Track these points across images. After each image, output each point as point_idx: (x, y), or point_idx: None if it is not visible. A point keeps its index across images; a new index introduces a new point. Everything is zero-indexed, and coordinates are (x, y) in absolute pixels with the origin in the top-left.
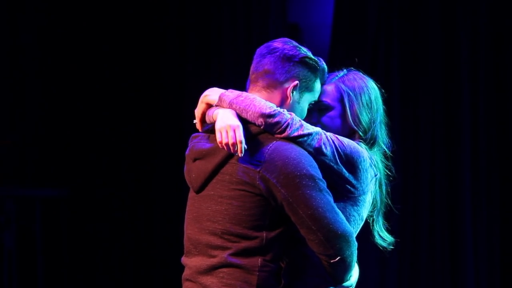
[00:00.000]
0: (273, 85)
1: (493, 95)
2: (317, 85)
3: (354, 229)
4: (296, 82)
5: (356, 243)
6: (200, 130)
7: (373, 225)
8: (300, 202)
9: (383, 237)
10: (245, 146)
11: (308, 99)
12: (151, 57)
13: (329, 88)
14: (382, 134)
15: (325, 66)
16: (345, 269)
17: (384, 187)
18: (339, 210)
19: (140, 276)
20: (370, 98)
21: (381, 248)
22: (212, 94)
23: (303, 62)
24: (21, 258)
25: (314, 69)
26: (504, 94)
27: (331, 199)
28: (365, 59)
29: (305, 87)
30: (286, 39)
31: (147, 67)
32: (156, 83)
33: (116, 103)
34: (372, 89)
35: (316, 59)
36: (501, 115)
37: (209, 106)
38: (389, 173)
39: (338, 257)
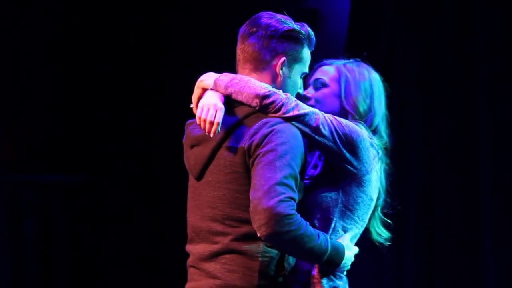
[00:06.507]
0: (261, 66)
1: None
2: (305, 53)
3: (364, 211)
4: (283, 58)
5: (291, 225)
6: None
7: (369, 221)
8: (254, 173)
9: (380, 232)
10: (219, 130)
11: (298, 70)
12: (163, 48)
13: (330, 68)
14: (383, 128)
15: (310, 31)
16: (283, 245)
17: (385, 181)
18: (284, 190)
19: (161, 263)
20: (371, 86)
21: (378, 244)
22: (207, 79)
23: (286, 36)
24: (42, 245)
25: (298, 40)
26: None
27: (286, 181)
28: (383, 46)
29: (293, 60)
30: (267, 13)
31: (160, 56)
32: (170, 71)
33: (140, 90)
34: (374, 79)
35: (298, 28)
36: None
37: (205, 91)
38: (386, 168)
39: (260, 232)
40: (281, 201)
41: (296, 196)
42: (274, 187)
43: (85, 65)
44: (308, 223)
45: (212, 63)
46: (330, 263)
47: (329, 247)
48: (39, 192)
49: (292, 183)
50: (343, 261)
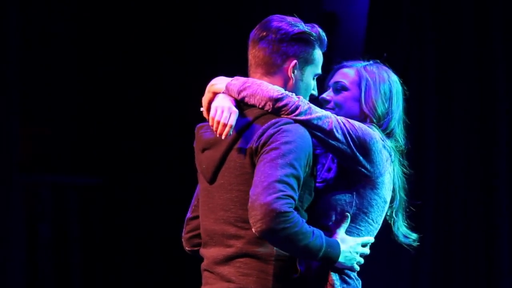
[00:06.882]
0: (272, 70)
1: None
2: (317, 54)
3: (378, 213)
4: (295, 61)
5: (286, 222)
6: (207, 118)
7: (393, 225)
8: (256, 170)
9: (406, 234)
10: (231, 133)
11: (311, 71)
12: (183, 46)
13: (350, 71)
14: (399, 131)
15: (320, 32)
16: (276, 241)
17: (402, 181)
18: (283, 188)
19: (176, 265)
20: (390, 90)
21: (406, 246)
22: (218, 83)
23: (296, 39)
24: (57, 247)
25: (309, 42)
26: None
27: (286, 179)
28: (400, 47)
29: (305, 62)
30: (278, 16)
31: (179, 55)
32: (188, 72)
33: (153, 92)
34: (394, 82)
35: (309, 30)
36: None
37: (215, 95)
38: (404, 170)
39: (255, 228)
40: (278, 198)
41: (296, 195)
42: (273, 184)
43: (103, 70)
44: (304, 220)
45: (226, 66)
46: (326, 259)
47: (324, 244)
48: (54, 194)
49: (292, 182)
50: (342, 255)
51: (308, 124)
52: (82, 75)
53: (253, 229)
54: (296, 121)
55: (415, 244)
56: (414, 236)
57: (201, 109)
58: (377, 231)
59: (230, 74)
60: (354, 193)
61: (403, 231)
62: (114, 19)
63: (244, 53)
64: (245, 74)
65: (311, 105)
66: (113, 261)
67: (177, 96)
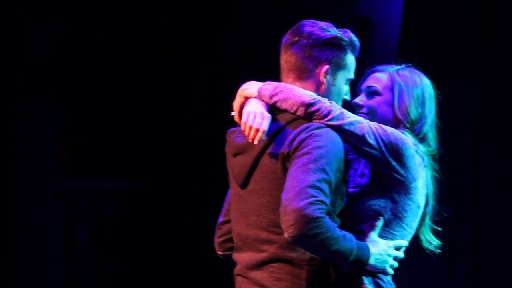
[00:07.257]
0: (304, 75)
1: None
2: (349, 59)
3: (412, 218)
4: (327, 66)
5: (319, 227)
6: (238, 123)
7: (419, 228)
8: (288, 175)
9: (430, 240)
10: (263, 138)
11: (343, 76)
12: (183, 46)
13: (382, 76)
14: (432, 135)
15: (352, 36)
16: (308, 246)
17: (434, 186)
18: (315, 193)
19: (176, 265)
20: (423, 94)
21: (428, 251)
22: (250, 87)
23: (328, 44)
24: (95, 252)
25: (341, 47)
26: None
27: (318, 184)
28: (434, 52)
29: (337, 67)
30: (310, 21)
31: (179, 55)
32: (188, 72)
33: (153, 92)
34: (427, 86)
35: (341, 35)
36: None
37: (247, 99)
38: (436, 175)
39: (287, 233)
40: (311, 203)
41: (328, 200)
42: (306, 189)
43: (98, 68)
44: (336, 225)
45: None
46: (357, 262)
47: (355, 247)
48: (92, 199)
49: (324, 187)
50: (372, 258)
51: (340, 129)
52: (82, 75)
53: (285, 234)
54: (328, 126)
55: (437, 251)
56: (436, 242)
57: (232, 113)
58: (411, 236)
59: (230, 74)
60: (388, 198)
61: (428, 236)
62: (114, 19)
63: (244, 53)
64: (246, 73)
65: (343, 110)
66: (150, 266)
67: (177, 96)
